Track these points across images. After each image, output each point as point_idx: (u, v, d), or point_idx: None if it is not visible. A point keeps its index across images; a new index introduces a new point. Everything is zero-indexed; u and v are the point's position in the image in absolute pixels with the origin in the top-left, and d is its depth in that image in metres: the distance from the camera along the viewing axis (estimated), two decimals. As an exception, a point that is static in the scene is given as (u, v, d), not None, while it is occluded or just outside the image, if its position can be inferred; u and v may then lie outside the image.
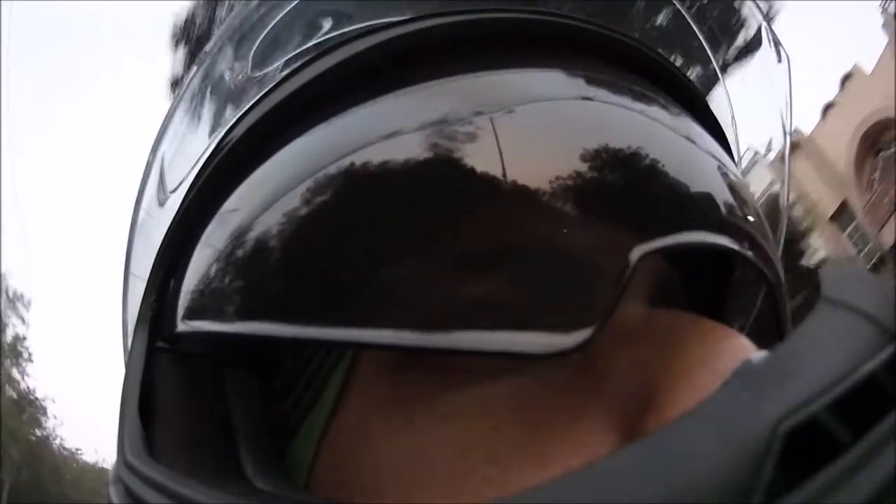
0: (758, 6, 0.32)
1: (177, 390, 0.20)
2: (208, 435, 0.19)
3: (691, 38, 0.28)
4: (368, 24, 0.22)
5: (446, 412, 0.17)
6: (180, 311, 0.20)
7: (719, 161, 0.21)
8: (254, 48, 0.26)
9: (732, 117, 0.27)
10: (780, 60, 0.31)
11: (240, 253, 0.19)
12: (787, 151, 0.32)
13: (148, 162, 0.28)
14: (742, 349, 0.17)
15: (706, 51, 0.28)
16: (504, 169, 0.17)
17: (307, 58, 0.21)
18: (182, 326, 0.20)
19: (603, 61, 0.21)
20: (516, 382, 0.18)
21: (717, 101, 0.26)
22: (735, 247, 0.19)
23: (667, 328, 0.18)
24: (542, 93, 0.19)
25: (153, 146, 0.28)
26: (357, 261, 0.17)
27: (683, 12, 0.28)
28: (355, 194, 0.18)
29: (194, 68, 0.29)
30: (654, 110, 0.20)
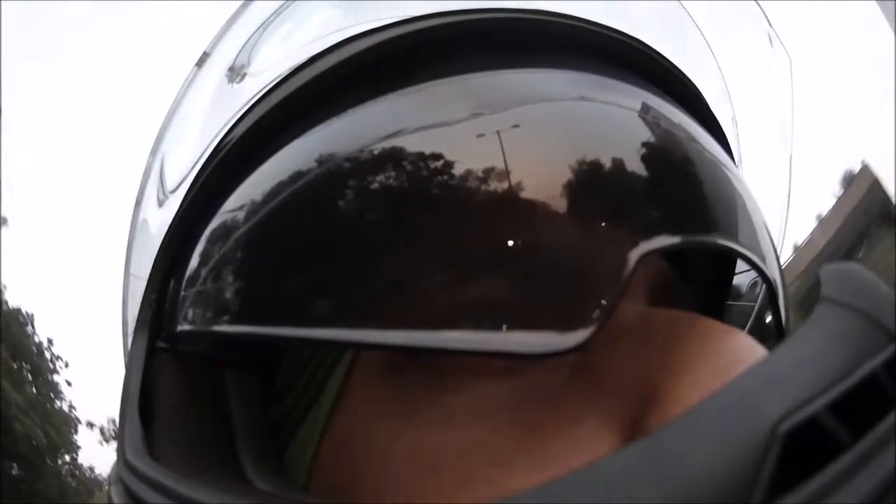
0: (762, 10, 0.32)
1: (177, 390, 0.20)
2: (208, 435, 0.19)
3: None
4: (368, 24, 0.22)
5: (446, 413, 0.17)
6: (180, 310, 0.20)
7: (719, 161, 0.21)
8: (253, 48, 0.26)
9: (733, 117, 0.27)
10: (782, 62, 0.31)
11: (239, 253, 0.19)
12: (790, 150, 0.32)
13: (148, 163, 0.28)
14: (743, 346, 0.17)
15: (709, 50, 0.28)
16: (503, 169, 0.17)
17: (307, 58, 0.21)
18: (182, 326, 0.20)
19: (603, 62, 0.21)
20: (516, 383, 0.18)
21: (718, 100, 0.26)
22: (735, 246, 0.19)
23: (667, 327, 0.18)
24: (541, 93, 0.19)
25: (153, 147, 0.28)
26: (356, 261, 0.17)
27: (685, 11, 0.28)
28: (355, 195, 0.18)
29: (195, 69, 0.29)
30: (654, 111, 0.20)
